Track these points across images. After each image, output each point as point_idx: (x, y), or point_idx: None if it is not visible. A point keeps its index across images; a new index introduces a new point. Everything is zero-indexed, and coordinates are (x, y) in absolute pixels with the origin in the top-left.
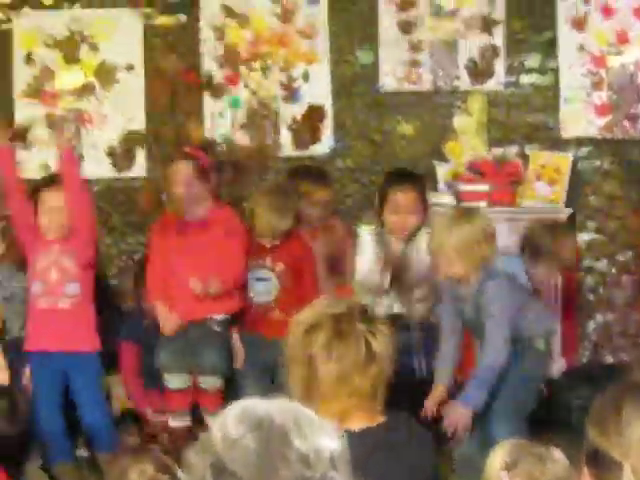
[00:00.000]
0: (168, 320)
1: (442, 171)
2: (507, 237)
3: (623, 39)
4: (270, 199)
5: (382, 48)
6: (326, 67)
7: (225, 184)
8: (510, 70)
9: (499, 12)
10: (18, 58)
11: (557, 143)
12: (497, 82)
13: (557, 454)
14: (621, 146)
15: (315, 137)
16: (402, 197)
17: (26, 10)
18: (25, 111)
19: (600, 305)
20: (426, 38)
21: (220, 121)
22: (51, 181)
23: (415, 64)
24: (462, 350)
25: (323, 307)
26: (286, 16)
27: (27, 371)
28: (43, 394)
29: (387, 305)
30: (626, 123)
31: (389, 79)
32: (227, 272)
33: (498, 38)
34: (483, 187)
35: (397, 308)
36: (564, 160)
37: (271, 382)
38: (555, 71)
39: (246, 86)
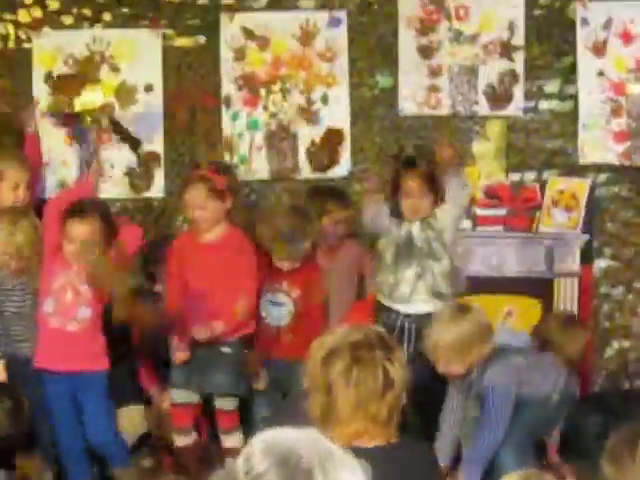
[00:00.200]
0: (179, 351)
1: None
2: (522, 263)
3: None
4: (290, 221)
5: (402, 72)
6: (345, 90)
7: (242, 206)
8: (529, 96)
9: (519, 38)
10: (38, 77)
11: (575, 169)
12: (516, 107)
13: None
14: (639, 173)
15: (333, 160)
16: (410, 181)
17: (46, 30)
18: (45, 130)
19: (616, 332)
20: (445, 63)
21: (238, 143)
22: (80, 210)
23: (434, 89)
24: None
25: (342, 334)
26: (306, 39)
27: None
28: (60, 415)
29: (407, 279)
30: None
31: (408, 103)
32: (237, 302)
33: (517, 64)
34: (500, 212)
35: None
36: (581, 186)
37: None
38: (574, 97)
39: (265, 108)
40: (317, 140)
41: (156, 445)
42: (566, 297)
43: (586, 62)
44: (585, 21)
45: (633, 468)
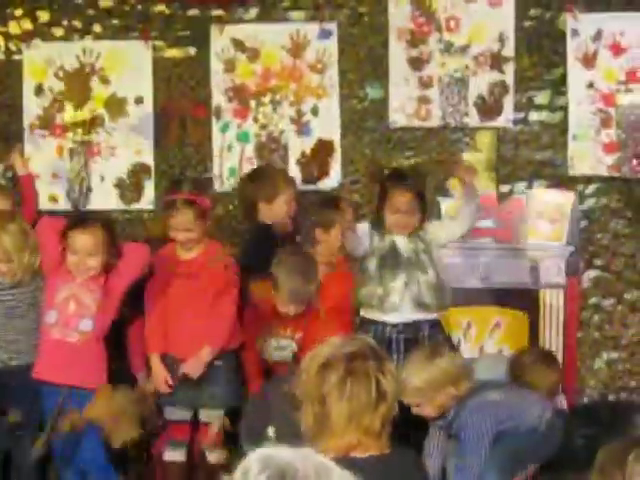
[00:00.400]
0: (159, 377)
1: (447, 207)
2: (510, 274)
3: (633, 77)
4: (294, 262)
5: (392, 84)
6: (336, 102)
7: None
8: (519, 107)
9: (509, 49)
10: (28, 89)
11: (565, 180)
12: (506, 119)
13: None
14: (628, 184)
15: (324, 171)
16: (401, 197)
17: (37, 42)
18: (35, 143)
19: (606, 343)
20: (436, 74)
21: (228, 155)
22: (82, 221)
23: (425, 100)
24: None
25: (336, 345)
26: (296, 51)
27: None
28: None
29: (397, 289)
30: (634, 162)
31: (398, 115)
32: (218, 331)
33: (508, 75)
34: (487, 224)
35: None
36: (567, 198)
37: None
38: (564, 108)
39: (255, 120)
40: (307, 151)
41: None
42: (552, 309)
43: (576, 73)
44: (575, 32)
45: None
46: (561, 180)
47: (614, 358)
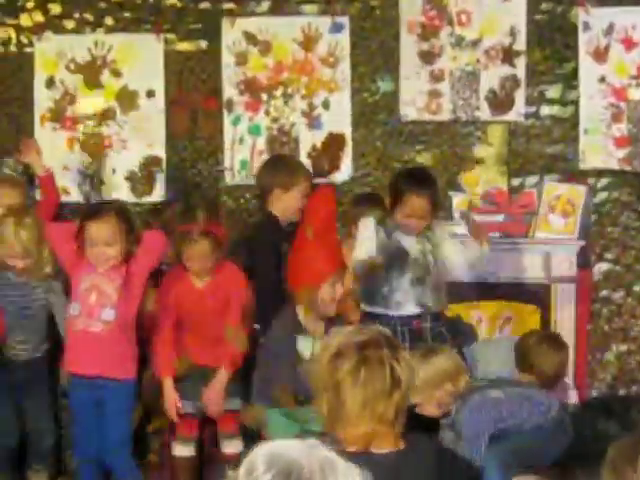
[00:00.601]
0: (170, 401)
1: (458, 201)
2: (521, 268)
3: None
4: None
5: (403, 77)
6: (347, 95)
7: None
8: (530, 101)
9: (520, 43)
10: (40, 82)
11: (576, 174)
12: (517, 113)
13: None
14: (639, 178)
15: (335, 165)
16: (418, 202)
17: (48, 34)
18: (46, 135)
19: (616, 336)
20: (447, 68)
21: (240, 147)
22: (96, 212)
23: (435, 94)
24: None
25: (348, 334)
26: (308, 44)
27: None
28: (80, 422)
29: (404, 288)
30: None
31: (409, 108)
32: (232, 351)
33: (519, 69)
34: (497, 218)
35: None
36: (578, 192)
37: None
38: (575, 102)
39: (267, 113)
40: (318, 145)
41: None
42: (563, 302)
43: (588, 67)
44: (587, 26)
45: (634, 479)
46: (572, 174)
47: (623, 351)
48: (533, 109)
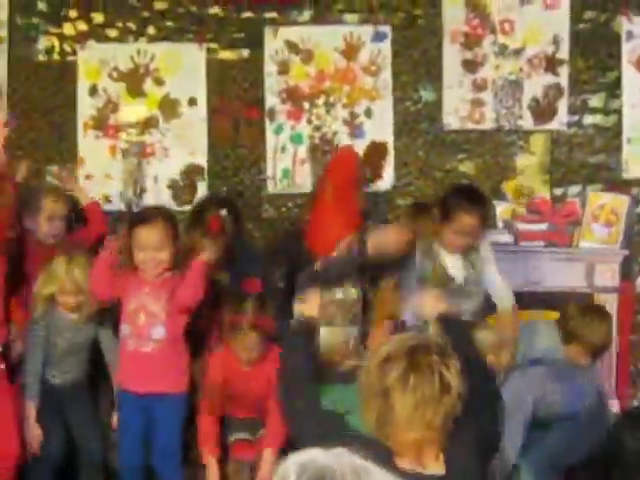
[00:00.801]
0: None
1: (501, 210)
2: (562, 279)
3: None
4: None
5: (446, 86)
6: (389, 104)
7: None
8: (573, 110)
9: (563, 52)
10: (83, 90)
11: (619, 184)
12: (560, 122)
13: None
14: None
15: (377, 174)
16: (469, 220)
17: (91, 43)
18: (89, 143)
19: None
20: (490, 77)
21: (282, 156)
22: (144, 217)
23: (478, 103)
24: None
25: (398, 341)
26: (350, 53)
27: (115, 417)
28: (128, 430)
29: None
30: None
31: (452, 117)
32: (276, 429)
33: (562, 78)
34: (541, 227)
35: None
36: (621, 201)
37: None
38: (618, 112)
39: (309, 122)
40: (360, 153)
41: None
42: None
43: (631, 76)
44: (630, 35)
45: None
46: (615, 183)
47: None
48: (576, 118)
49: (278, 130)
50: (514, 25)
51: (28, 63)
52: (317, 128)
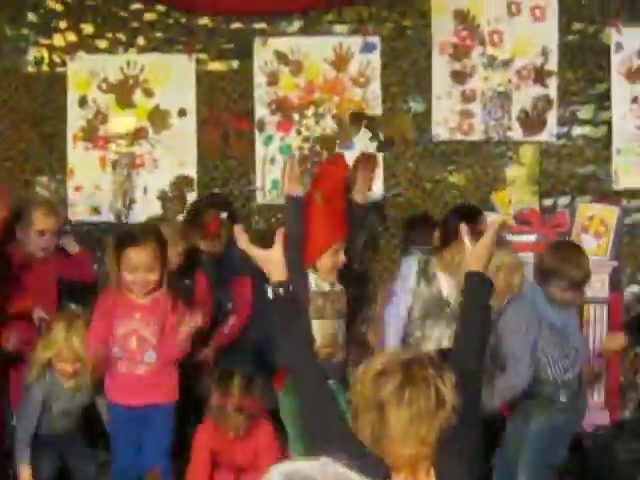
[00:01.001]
0: None
1: (490, 221)
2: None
3: None
4: None
5: (435, 98)
6: (379, 115)
7: None
8: (562, 121)
9: (552, 63)
10: (72, 101)
11: (608, 195)
12: (549, 133)
13: None
14: None
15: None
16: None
17: (81, 54)
18: (78, 154)
19: None
20: (479, 88)
21: (271, 167)
22: (134, 238)
23: (467, 114)
24: None
25: (391, 354)
26: (340, 64)
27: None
28: (120, 440)
29: (436, 337)
30: None
31: (441, 128)
32: None
33: (551, 89)
34: (530, 238)
35: (446, 342)
36: (611, 213)
37: None
38: (608, 123)
39: (298, 133)
40: (350, 165)
41: None
42: (595, 323)
43: (620, 88)
44: (619, 46)
45: None
46: (605, 194)
47: None
48: (565, 129)
49: (267, 141)
50: (503, 36)
51: (17, 74)
52: (306, 139)
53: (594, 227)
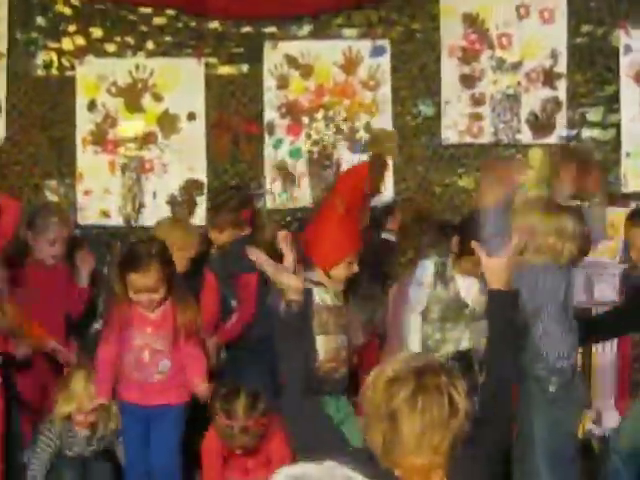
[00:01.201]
0: None
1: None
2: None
3: None
4: None
5: (444, 101)
6: (388, 119)
7: None
8: (571, 124)
9: (561, 66)
10: (81, 105)
11: (618, 198)
12: (558, 136)
13: None
14: None
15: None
16: None
17: (90, 58)
18: (87, 158)
19: None
20: (488, 91)
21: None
22: (137, 262)
23: (477, 117)
24: None
25: (403, 361)
26: (349, 67)
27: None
28: (130, 439)
29: (455, 339)
30: None
31: (451, 132)
32: None
33: (560, 92)
34: None
35: (465, 343)
36: (621, 215)
37: None
38: (617, 125)
39: (308, 136)
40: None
41: None
42: None
43: (629, 90)
44: (628, 49)
45: None
46: (614, 197)
47: None
48: (574, 132)
49: (277, 145)
50: (512, 39)
51: (27, 78)
52: (316, 143)
53: None
